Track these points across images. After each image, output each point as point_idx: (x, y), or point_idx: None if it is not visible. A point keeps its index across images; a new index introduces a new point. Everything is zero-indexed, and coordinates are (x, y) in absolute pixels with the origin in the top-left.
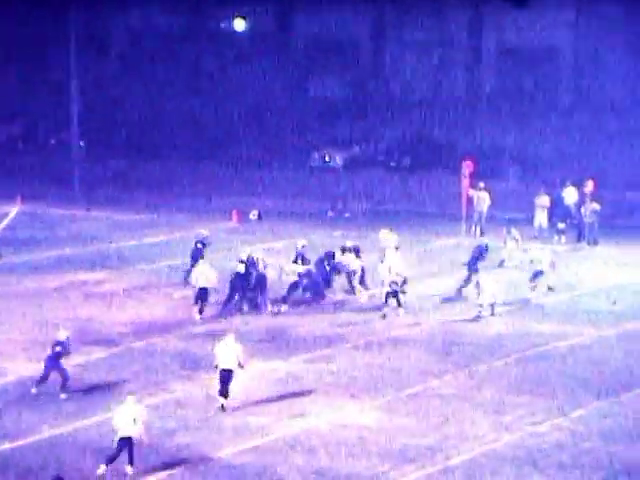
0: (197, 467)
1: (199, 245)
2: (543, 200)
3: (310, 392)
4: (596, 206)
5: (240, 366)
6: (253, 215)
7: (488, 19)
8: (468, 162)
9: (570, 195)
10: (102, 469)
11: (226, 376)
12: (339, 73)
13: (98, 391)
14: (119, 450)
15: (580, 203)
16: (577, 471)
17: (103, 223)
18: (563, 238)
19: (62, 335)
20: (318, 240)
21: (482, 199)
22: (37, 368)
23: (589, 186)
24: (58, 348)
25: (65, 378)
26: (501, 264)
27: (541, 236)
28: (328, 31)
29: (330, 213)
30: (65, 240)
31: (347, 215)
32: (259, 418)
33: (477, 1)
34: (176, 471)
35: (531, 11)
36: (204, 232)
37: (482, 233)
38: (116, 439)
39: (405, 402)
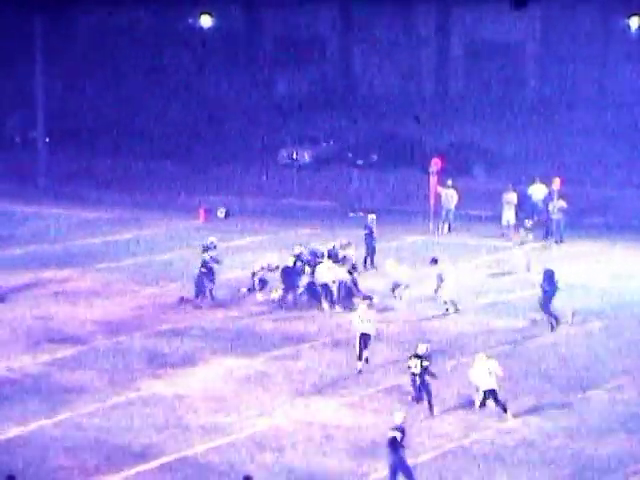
0: (164, 466)
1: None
2: (510, 197)
3: (278, 390)
4: (563, 203)
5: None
6: (220, 213)
7: (455, 16)
8: (436, 160)
9: (538, 192)
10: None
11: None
12: (307, 70)
13: (64, 389)
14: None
15: (547, 200)
16: (544, 468)
17: (68, 220)
18: (530, 236)
19: None
20: (289, 239)
21: (450, 196)
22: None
23: (556, 183)
24: None
25: None
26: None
27: (509, 233)
28: (296, 28)
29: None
30: (30, 238)
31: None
32: (227, 416)
33: None
34: (143, 470)
35: (497, 8)
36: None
37: (450, 230)
38: (479, 393)
39: (373, 399)
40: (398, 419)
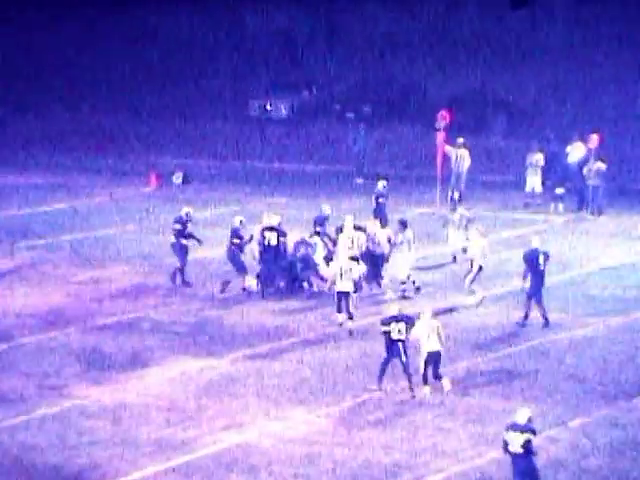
0: None
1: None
2: (536, 158)
3: (249, 398)
4: (602, 166)
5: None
6: (177, 178)
7: None
8: (443, 113)
9: (575, 152)
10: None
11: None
12: (282, 3)
13: None
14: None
15: (583, 162)
16: None
17: None
18: (561, 206)
19: None
20: (255, 209)
21: (461, 158)
22: None
23: (593, 141)
24: None
25: None
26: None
27: (534, 203)
28: None
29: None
30: None
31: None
32: (186, 430)
33: None
34: None
35: None
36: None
37: (460, 199)
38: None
39: (366, 409)
40: (522, 417)
